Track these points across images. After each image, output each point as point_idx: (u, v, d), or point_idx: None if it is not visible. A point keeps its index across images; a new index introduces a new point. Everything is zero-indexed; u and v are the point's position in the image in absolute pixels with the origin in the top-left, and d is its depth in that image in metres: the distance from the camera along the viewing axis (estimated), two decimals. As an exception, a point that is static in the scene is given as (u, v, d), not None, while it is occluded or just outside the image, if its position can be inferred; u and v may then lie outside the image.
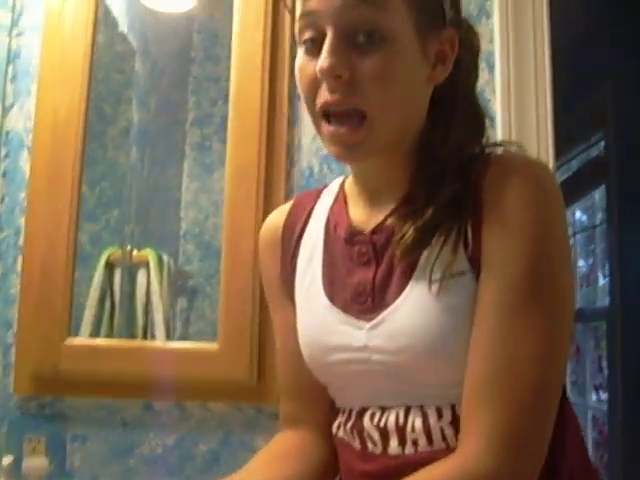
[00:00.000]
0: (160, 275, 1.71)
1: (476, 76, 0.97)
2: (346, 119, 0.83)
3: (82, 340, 1.61)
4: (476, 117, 0.93)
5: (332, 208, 1.00)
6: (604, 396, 3.61)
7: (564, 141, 3.53)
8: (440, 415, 0.85)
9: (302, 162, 1.64)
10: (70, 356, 1.54)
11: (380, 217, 0.91)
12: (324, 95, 0.83)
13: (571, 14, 2.82)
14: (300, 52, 0.87)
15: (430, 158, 0.88)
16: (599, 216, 3.77)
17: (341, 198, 1.00)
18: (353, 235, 0.93)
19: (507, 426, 0.77)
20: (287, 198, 1.58)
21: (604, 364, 3.62)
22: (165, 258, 1.75)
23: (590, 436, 3.72)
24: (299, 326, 0.99)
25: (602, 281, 3.70)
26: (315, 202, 1.04)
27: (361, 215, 0.95)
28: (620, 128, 3.37)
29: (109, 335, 1.69)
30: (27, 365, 1.54)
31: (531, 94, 1.58)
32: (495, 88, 1.60)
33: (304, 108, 1.62)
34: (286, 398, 1.08)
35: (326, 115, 0.84)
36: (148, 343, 1.68)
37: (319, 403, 1.03)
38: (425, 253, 0.84)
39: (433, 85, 0.89)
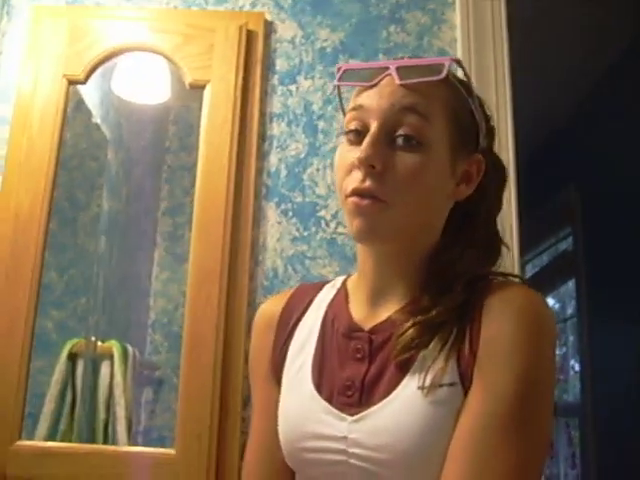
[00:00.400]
0: (124, 367, 1.68)
1: (499, 207, 1.03)
2: (369, 205, 0.87)
3: (32, 443, 1.53)
4: (492, 244, 0.99)
5: (332, 301, 1.02)
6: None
7: (534, 236, 3.62)
8: None
9: (266, 263, 1.64)
10: (19, 460, 1.48)
11: (381, 317, 0.93)
12: (356, 181, 0.88)
13: (537, 112, 2.92)
14: (343, 139, 0.94)
15: (442, 272, 0.91)
16: (572, 304, 3.80)
17: (342, 293, 1.02)
18: (352, 330, 0.95)
19: None
20: (250, 299, 1.59)
21: (577, 460, 3.59)
22: (130, 350, 1.71)
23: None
24: (281, 409, 0.99)
25: (572, 373, 3.70)
26: (316, 293, 1.06)
27: (361, 312, 0.96)
28: (587, 224, 3.45)
29: (69, 430, 1.63)
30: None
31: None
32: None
33: (269, 208, 1.64)
34: (252, 478, 1.05)
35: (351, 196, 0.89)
36: (101, 447, 1.61)
37: None
38: (421, 356, 0.86)
39: (453, 201, 0.95)
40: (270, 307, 1.09)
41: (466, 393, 0.83)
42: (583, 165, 3.39)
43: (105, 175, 1.92)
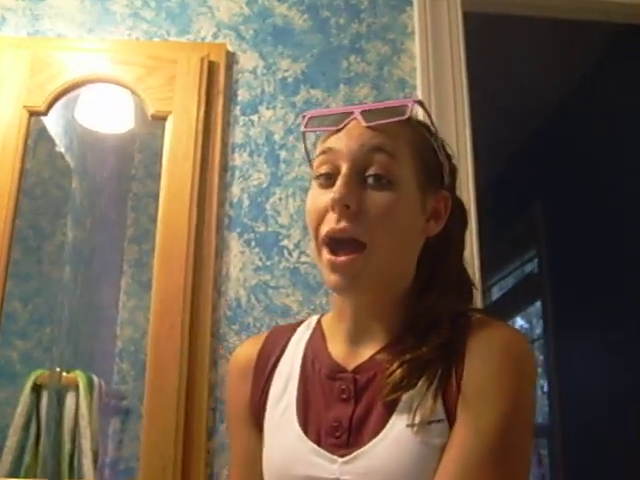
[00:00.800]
0: (90, 398, 1.66)
1: (463, 247, 1.05)
2: (347, 246, 0.88)
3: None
4: (465, 284, 1.01)
5: (309, 342, 1.02)
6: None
7: (499, 259, 3.65)
8: None
9: (229, 293, 1.63)
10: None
11: (363, 357, 0.94)
12: (330, 223, 0.89)
13: (497, 134, 2.96)
14: (314, 184, 0.95)
15: (421, 315, 0.93)
16: (540, 323, 3.83)
17: (318, 333, 1.02)
18: (335, 371, 0.95)
19: None
20: (213, 329, 1.58)
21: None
22: (96, 380, 1.70)
23: None
24: (265, 454, 0.98)
25: (541, 393, 3.72)
26: (291, 335, 1.05)
27: (341, 352, 0.97)
28: (550, 245, 3.50)
29: (33, 462, 1.60)
30: None
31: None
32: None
33: (232, 238, 1.64)
34: None
35: (328, 244, 0.90)
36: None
37: None
38: (407, 394, 0.87)
39: (424, 239, 0.96)
40: (245, 352, 1.09)
41: (451, 428, 0.84)
42: (546, 185, 3.44)
43: (70, 204, 1.90)
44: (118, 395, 1.79)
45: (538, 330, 3.80)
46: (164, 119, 1.68)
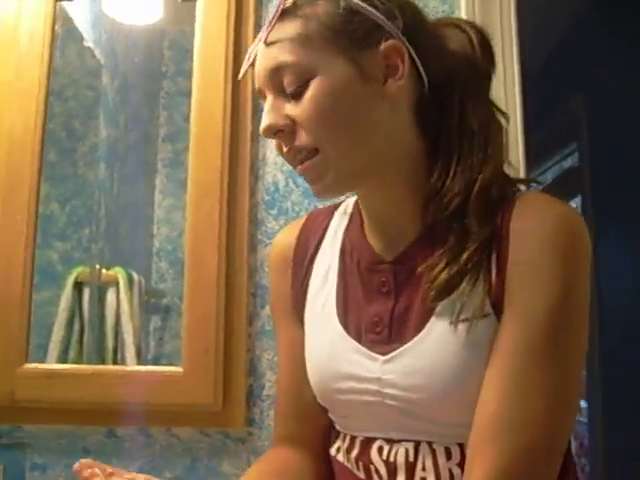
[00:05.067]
0: (130, 294, 1.68)
1: (480, 82, 0.93)
2: (305, 159, 0.87)
3: (38, 365, 1.54)
4: (485, 135, 0.88)
5: (347, 230, 0.99)
6: (584, 406, 3.60)
7: (537, 153, 3.58)
8: (449, 455, 0.84)
9: (267, 177, 1.60)
10: (26, 383, 1.49)
11: (400, 247, 0.90)
12: (280, 151, 0.90)
13: (540, 27, 2.84)
14: None
15: (440, 191, 0.86)
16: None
17: (356, 220, 0.98)
18: (373, 263, 0.92)
19: (513, 469, 0.76)
20: (252, 214, 1.56)
21: (583, 374, 3.62)
22: (135, 277, 1.71)
23: (572, 448, 3.70)
24: (308, 349, 0.98)
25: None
26: (329, 221, 1.03)
27: (379, 242, 0.93)
28: (593, 139, 3.40)
29: (78, 358, 1.65)
30: (-19, 393, 1.49)
31: (500, 105, 1.56)
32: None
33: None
34: (283, 417, 1.07)
35: (292, 162, 0.89)
36: (108, 367, 1.63)
37: (317, 426, 1.02)
38: None
39: (395, 101, 0.87)
40: (283, 241, 1.07)
41: (499, 322, 0.81)
42: (588, 76, 3.32)
43: (101, 102, 1.88)
44: (157, 293, 1.81)
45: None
46: (194, 0, 1.60)
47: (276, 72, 0.86)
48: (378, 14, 0.86)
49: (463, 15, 1.58)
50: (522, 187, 0.91)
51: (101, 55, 1.85)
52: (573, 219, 0.83)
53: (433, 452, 0.85)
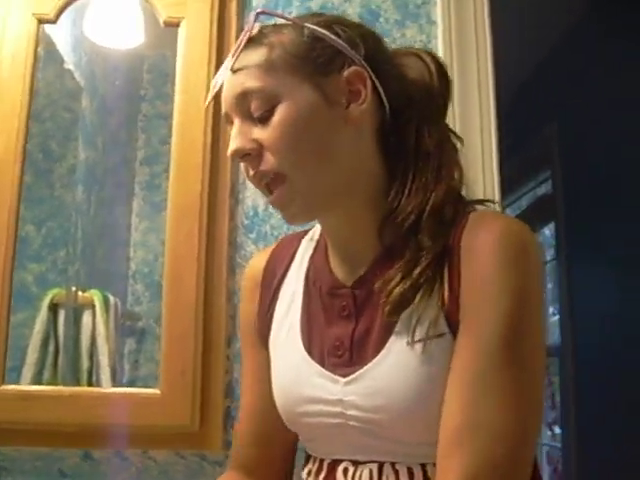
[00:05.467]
0: (106, 316, 1.67)
1: (437, 108, 0.96)
2: (273, 182, 0.88)
3: (15, 387, 1.53)
4: (438, 157, 0.91)
5: (313, 257, 1.01)
6: (558, 432, 3.62)
7: (513, 181, 3.63)
8: (411, 476, 0.85)
9: (246, 201, 1.61)
10: (3, 404, 1.47)
11: (359, 271, 0.92)
12: (246, 174, 0.92)
13: (515, 56, 2.89)
14: None
15: (395, 211, 0.88)
16: (550, 252, 3.82)
17: (322, 247, 1.00)
18: (334, 288, 0.94)
19: (481, 477, 0.76)
20: (231, 237, 1.57)
21: (557, 400, 3.64)
22: (112, 299, 1.70)
23: (546, 473, 3.72)
24: (273, 373, 0.99)
25: (554, 318, 3.73)
26: (296, 249, 1.04)
27: (340, 268, 0.95)
28: (565, 167, 3.45)
29: (53, 380, 1.63)
30: (-43, 415, 1.47)
31: (476, 135, 1.60)
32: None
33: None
34: (243, 443, 1.07)
35: (262, 188, 0.91)
36: (85, 389, 1.61)
37: (276, 455, 1.04)
38: (405, 311, 0.84)
39: (358, 125, 0.90)
40: (254, 265, 1.10)
41: (455, 339, 0.82)
42: (562, 105, 3.37)
43: (80, 124, 1.88)
44: (133, 316, 1.80)
45: (550, 253, 3.79)
46: (177, 26, 1.63)
47: (243, 97, 0.88)
48: (340, 41, 0.90)
49: (440, 45, 1.62)
50: (478, 207, 0.94)
51: (81, 77, 1.85)
52: (520, 230, 0.85)
53: (396, 473, 0.86)
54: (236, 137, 0.88)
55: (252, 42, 0.89)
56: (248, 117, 0.88)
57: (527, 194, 4.05)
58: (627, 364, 2.77)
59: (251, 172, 0.89)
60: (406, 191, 0.89)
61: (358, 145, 0.90)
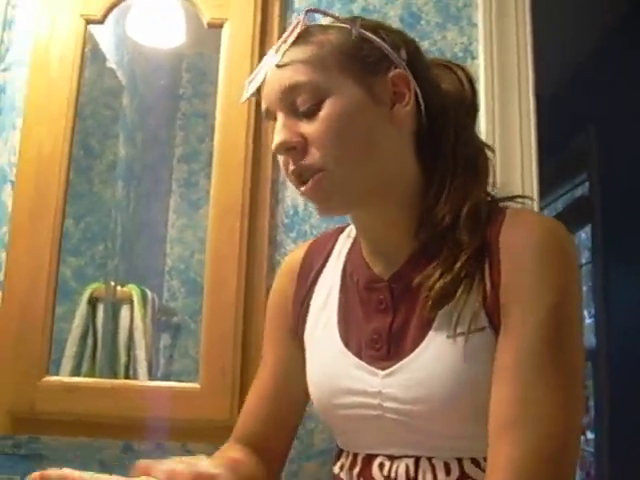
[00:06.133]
0: (144, 311, 1.70)
1: (470, 117, 1.00)
2: (310, 178, 0.88)
3: (59, 379, 1.56)
4: (475, 162, 0.95)
5: (349, 253, 1.02)
6: (591, 437, 3.58)
7: (550, 182, 3.60)
8: (448, 470, 0.86)
9: (286, 200, 1.63)
10: (47, 395, 1.50)
11: (396, 265, 0.93)
12: (285, 168, 0.92)
13: (555, 59, 2.87)
14: None
15: (431, 211, 0.90)
16: (585, 255, 3.79)
17: (358, 242, 1.01)
18: (371, 282, 0.95)
19: (544, 451, 0.77)
20: (271, 236, 1.59)
21: (591, 404, 3.61)
22: (149, 294, 1.73)
23: (578, 477, 3.69)
24: (309, 366, 1.00)
25: (588, 320, 3.69)
26: (333, 244, 1.06)
27: (376, 263, 0.96)
28: (603, 169, 3.42)
29: (91, 373, 1.66)
30: (3, 404, 1.50)
31: (516, 136, 1.60)
32: (480, 131, 1.60)
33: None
34: (250, 416, 1.09)
35: (296, 178, 0.91)
36: (127, 382, 1.64)
37: (281, 436, 1.07)
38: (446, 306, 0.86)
39: (400, 126, 0.92)
40: (292, 257, 1.11)
41: (496, 335, 0.83)
42: (600, 108, 3.34)
43: (121, 121, 1.91)
44: (169, 311, 1.82)
45: (585, 256, 3.76)
46: (220, 27, 1.64)
47: (290, 91, 0.88)
48: (386, 45, 0.92)
49: (481, 47, 1.62)
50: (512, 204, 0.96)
51: (122, 76, 1.88)
52: (559, 228, 0.87)
53: (433, 467, 0.87)
54: (281, 130, 0.88)
55: (299, 39, 0.90)
56: (293, 112, 0.89)
57: (564, 196, 4.01)
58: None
59: (291, 166, 0.89)
60: (445, 191, 0.91)
61: (398, 146, 0.92)
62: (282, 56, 0.90)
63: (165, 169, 1.92)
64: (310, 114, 0.88)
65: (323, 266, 1.04)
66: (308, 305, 1.03)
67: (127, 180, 1.89)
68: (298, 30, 0.90)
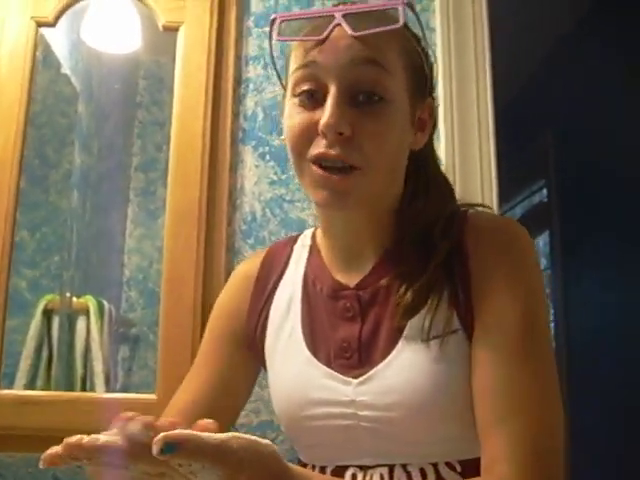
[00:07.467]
0: (100, 322, 1.66)
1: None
2: (338, 171, 0.84)
3: (12, 392, 1.53)
4: (446, 182, 0.99)
5: (309, 260, 1.00)
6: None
7: (507, 189, 3.63)
8: (424, 476, 0.85)
9: (244, 206, 1.62)
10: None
11: (362, 272, 0.92)
12: (320, 147, 0.83)
13: (512, 63, 2.90)
14: (293, 101, 0.88)
15: (414, 219, 0.91)
16: (543, 262, 3.83)
17: (316, 251, 1.00)
18: (336, 290, 0.93)
19: (536, 439, 0.78)
20: (229, 243, 1.57)
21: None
22: (106, 305, 1.70)
23: None
24: (273, 379, 0.98)
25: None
26: (290, 253, 1.04)
27: (340, 270, 0.95)
28: (561, 176, 3.46)
29: (46, 386, 1.62)
30: (-49, 419, 1.45)
31: (474, 142, 1.61)
32: (439, 136, 1.61)
33: (246, 152, 1.61)
34: (180, 416, 1.00)
35: (318, 163, 0.85)
36: (82, 395, 1.61)
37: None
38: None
39: (413, 149, 0.93)
40: (246, 268, 1.08)
41: (469, 337, 0.84)
42: (557, 113, 3.39)
43: (77, 129, 1.88)
44: (127, 323, 1.80)
45: (543, 263, 3.80)
46: (176, 30, 1.63)
47: (361, 68, 0.83)
48: (431, 73, 0.94)
49: (439, 52, 1.64)
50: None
51: (77, 82, 1.85)
52: (519, 228, 0.90)
53: (408, 474, 0.85)
54: (335, 112, 0.81)
55: (384, 23, 0.83)
56: (349, 95, 0.83)
57: (521, 203, 4.06)
58: (622, 373, 2.77)
59: (336, 150, 0.82)
60: (420, 204, 0.92)
61: (405, 164, 0.93)
62: (358, 27, 0.82)
63: (122, 178, 1.89)
64: (367, 105, 0.83)
65: (280, 277, 1.02)
66: (267, 315, 1.00)
67: (83, 189, 1.86)
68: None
